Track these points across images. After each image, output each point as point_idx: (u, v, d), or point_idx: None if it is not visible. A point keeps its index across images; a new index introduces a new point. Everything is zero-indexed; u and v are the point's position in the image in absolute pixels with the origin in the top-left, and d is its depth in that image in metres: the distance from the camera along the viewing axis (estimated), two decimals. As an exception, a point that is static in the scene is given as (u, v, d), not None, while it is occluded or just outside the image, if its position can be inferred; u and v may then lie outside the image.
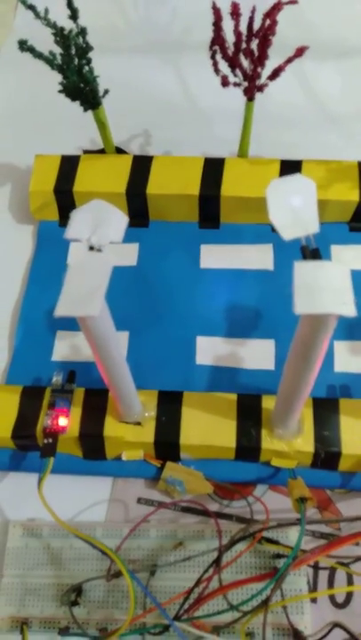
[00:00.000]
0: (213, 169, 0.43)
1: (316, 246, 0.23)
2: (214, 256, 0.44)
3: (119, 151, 0.45)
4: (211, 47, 0.35)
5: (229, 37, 0.36)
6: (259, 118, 0.43)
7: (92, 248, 0.25)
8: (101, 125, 0.42)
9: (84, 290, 0.23)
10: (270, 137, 0.48)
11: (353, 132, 0.50)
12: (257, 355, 0.40)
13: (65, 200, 0.44)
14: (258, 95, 0.39)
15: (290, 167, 0.43)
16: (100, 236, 0.25)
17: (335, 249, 0.43)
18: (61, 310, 0.23)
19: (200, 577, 0.28)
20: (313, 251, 0.23)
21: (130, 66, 0.55)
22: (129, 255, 0.44)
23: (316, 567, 0.33)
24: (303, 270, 0.23)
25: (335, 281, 0.22)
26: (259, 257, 0.43)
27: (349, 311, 0.22)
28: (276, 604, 0.29)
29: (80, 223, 0.25)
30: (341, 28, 0.56)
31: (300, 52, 0.36)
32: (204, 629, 0.28)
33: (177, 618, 0.28)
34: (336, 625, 0.28)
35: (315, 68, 0.53)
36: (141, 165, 0.44)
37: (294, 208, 0.24)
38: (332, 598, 0.34)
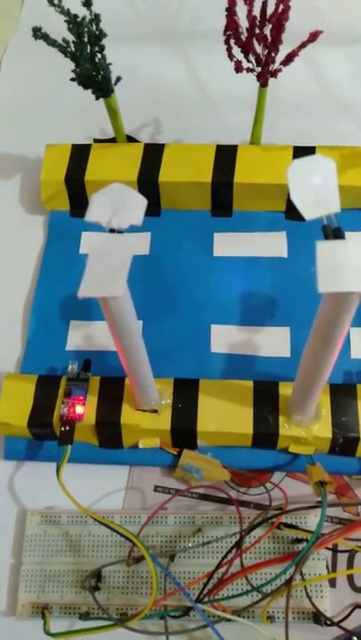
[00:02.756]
0: (226, 156, 0.43)
1: (338, 225, 0.23)
2: (227, 244, 0.44)
3: (130, 140, 0.45)
4: (225, 32, 0.35)
5: (242, 23, 0.36)
6: (269, 106, 0.43)
7: (112, 230, 0.25)
8: (113, 114, 0.42)
9: (106, 271, 0.23)
10: (281, 124, 0.48)
11: (363, 119, 0.50)
12: (272, 342, 0.40)
13: (76, 189, 0.44)
14: (270, 82, 0.39)
15: (303, 153, 0.42)
16: (121, 218, 0.25)
17: (350, 236, 0.43)
18: (85, 291, 0.23)
19: (221, 559, 0.29)
20: (335, 230, 0.23)
21: (139, 55, 0.55)
22: (141, 244, 0.44)
23: (335, 550, 0.33)
24: (325, 249, 0.23)
25: (358, 260, 0.22)
26: (272, 244, 0.43)
27: (374, 289, 0.21)
28: (298, 585, 0.29)
29: (100, 206, 0.25)
30: (350, 14, 0.55)
31: (313, 36, 0.35)
32: (225, 611, 0.28)
33: (199, 600, 0.28)
34: (357, 606, 0.28)
35: (325, 55, 0.53)
36: (153, 153, 0.44)
37: (315, 188, 0.24)
38: (351, 582, 0.34)
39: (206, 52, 0.53)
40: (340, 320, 0.24)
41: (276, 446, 0.36)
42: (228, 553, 0.29)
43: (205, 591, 0.28)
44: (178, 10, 0.57)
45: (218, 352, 0.40)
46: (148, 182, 0.43)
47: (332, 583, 0.33)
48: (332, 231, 0.23)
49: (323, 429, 0.34)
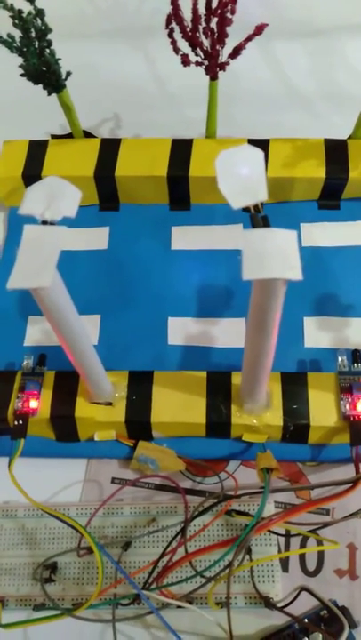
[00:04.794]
0: (181, 150, 0.43)
1: (265, 214, 0.24)
2: (185, 237, 0.44)
3: (87, 135, 0.45)
4: (167, 26, 0.35)
5: (189, 17, 0.36)
6: (229, 99, 0.43)
7: (45, 222, 0.25)
8: (67, 109, 0.42)
9: (36, 263, 0.23)
10: (241, 117, 0.49)
11: (321, 112, 0.51)
12: (228, 333, 0.40)
13: (34, 185, 0.44)
14: (228, 76, 0.39)
15: (257, 146, 0.42)
16: (54, 210, 0.25)
17: (305, 227, 0.44)
18: (13, 283, 0.23)
19: (166, 547, 0.29)
20: (262, 218, 0.24)
21: (100, 51, 0.55)
22: (100, 239, 0.44)
23: (287, 535, 0.34)
24: (251, 238, 0.23)
25: (282, 247, 0.23)
26: (229, 237, 0.43)
27: (295, 275, 0.22)
28: (239, 568, 0.30)
29: (34, 199, 0.25)
30: (310, 8, 0.56)
31: (259, 29, 0.36)
32: (174, 598, 0.29)
33: (146, 588, 0.29)
34: (303, 589, 0.29)
35: (284, 49, 0.53)
36: (109, 148, 0.44)
37: (243, 177, 0.24)
38: (303, 567, 0.34)
39: (166, 47, 0.52)
40: (271, 307, 0.24)
41: (230, 435, 0.36)
42: (172, 541, 0.29)
43: (152, 578, 0.29)
44: (138, 6, 0.57)
45: (175, 344, 0.40)
46: (105, 177, 0.43)
47: (285, 568, 0.34)
48: (260, 220, 0.24)
49: (274, 417, 0.35)
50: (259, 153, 0.24)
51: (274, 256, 0.22)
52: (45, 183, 0.26)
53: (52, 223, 0.25)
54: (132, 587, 0.27)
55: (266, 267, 0.22)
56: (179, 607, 0.30)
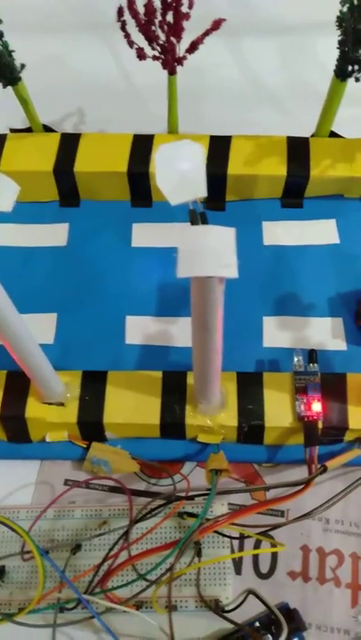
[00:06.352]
0: (142, 145, 0.43)
1: (203, 211, 0.23)
2: (146, 235, 0.43)
3: (48, 129, 0.44)
4: (118, 18, 0.34)
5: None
6: (195, 95, 0.43)
7: (-22, 218, 0.24)
8: (24, 102, 0.41)
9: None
10: (207, 114, 0.48)
11: (289, 109, 0.50)
12: (187, 332, 0.39)
13: (-9, 180, 0.43)
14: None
15: (219, 142, 0.43)
16: (-12, 205, 0.24)
17: (266, 225, 0.43)
18: None
19: (109, 550, 0.28)
20: (200, 215, 0.23)
21: (65, 45, 0.54)
22: (59, 235, 0.43)
23: (241, 538, 0.33)
24: (189, 235, 0.22)
25: (219, 244, 0.22)
26: (190, 235, 0.43)
27: (230, 273, 0.21)
28: (183, 571, 0.29)
29: (-32, 193, 0.24)
30: (280, 5, 0.56)
31: (216, 24, 0.35)
32: (120, 601, 0.28)
33: (90, 592, 0.28)
34: (250, 592, 0.28)
35: (253, 45, 0.53)
36: (69, 143, 0.43)
37: (183, 173, 0.23)
38: (256, 569, 0.34)
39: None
40: (210, 305, 0.24)
41: (185, 436, 0.36)
42: (115, 544, 0.29)
43: (95, 582, 0.28)
44: (107, 0, 0.56)
45: (133, 343, 0.39)
46: (64, 172, 0.43)
47: (238, 570, 0.33)
48: (198, 216, 0.23)
49: (228, 418, 0.34)
50: (199, 149, 0.24)
51: (209, 254, 0.22)
52: (-19, 177, 0.25)
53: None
54: (73, 591, 0.26)
55: (200, 264, 0.21)
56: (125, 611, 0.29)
